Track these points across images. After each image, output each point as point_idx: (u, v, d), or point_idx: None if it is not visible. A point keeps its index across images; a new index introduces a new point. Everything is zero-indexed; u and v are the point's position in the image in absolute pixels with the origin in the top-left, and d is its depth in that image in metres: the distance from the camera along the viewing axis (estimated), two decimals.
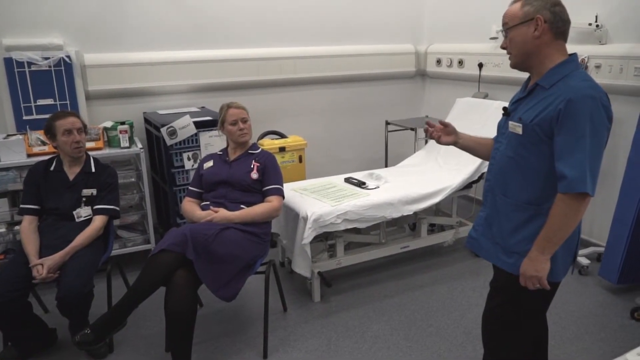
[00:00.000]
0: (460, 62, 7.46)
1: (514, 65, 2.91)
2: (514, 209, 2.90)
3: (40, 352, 4.32)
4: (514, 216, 2.92)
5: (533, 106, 2.77)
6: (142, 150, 5.56)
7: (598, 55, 5.45)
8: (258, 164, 4.53)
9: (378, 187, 5.46)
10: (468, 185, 5.76)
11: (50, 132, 4.32)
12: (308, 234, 4.75)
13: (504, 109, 3.03)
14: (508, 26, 2.81)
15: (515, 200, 2.90)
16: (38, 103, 5.58)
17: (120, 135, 5.51)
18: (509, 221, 2.94)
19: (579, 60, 5.44)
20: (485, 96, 6.79)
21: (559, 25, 2.74)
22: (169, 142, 5.50)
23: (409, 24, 8.05)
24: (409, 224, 6.16)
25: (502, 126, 3.06)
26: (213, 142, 5.62)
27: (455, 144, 3.37)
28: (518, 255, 2.87)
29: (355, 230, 5.30)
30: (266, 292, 4.32)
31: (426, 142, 7.19)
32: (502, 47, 2.92)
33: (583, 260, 5.49)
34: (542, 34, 2.72)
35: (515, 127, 2.83)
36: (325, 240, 5.27)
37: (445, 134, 3.37)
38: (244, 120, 4.57)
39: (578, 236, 2.98)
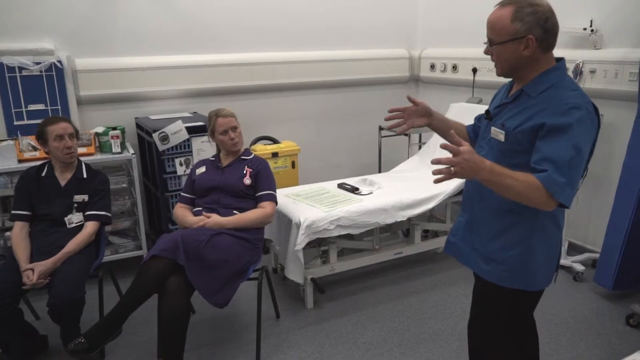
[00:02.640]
0: (454, 67, 7.44)
1: (500, 75, 2.79)
2: (493, 215, 2.84)
3: (31, 359, 4.30)
4: (492, 223, 2.86)
5: (517, 113, 2.69)
6: (133, 156, 5.54)
7: (593, 60, 5.44)
8: (251, 170, 4.51)
9: (371, 192, 5.45)
10: (462, 191, 5.74)
11: (42, 138, 4.30)
12: (301, 240, 4.74)
13: (487, 112, 2.93)
14: (494, 42, 2.66)
15: (494, 207, 2.82)
16: (29, 108, 5.56)
17: (112, 141, 5.48)
18: (488, 228, 2.89)
19: (574, 65, 5.44)
20: (480, 101, 6.77)
21: (550, 41, 2.63)
22: (160, 147, 5.48)
23: (402, 28, 8.04)
24: (402, 230, 6.14)
25: (484, 130, 2.97)
26: (205, 147, 5.59)
27: (428, 125, 3.23)
28: (496, 263, 2.82)
29: (349, 236, 5.27)
30: (259, 299, 4.31)
31: (420, 147, 7.19)
32: (486, 53, 2.78)
33: (578, 267, 5.48)
34: (533, 52, 2.59)
35: (498, 134, 2.75)
36: (318, 246, 5.25)
37: (417, 116, 3.19)
38: (234, 129, 4.55)
39: (560, 243, 2.91)
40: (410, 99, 3.20)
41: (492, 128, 2.80)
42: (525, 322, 3.10)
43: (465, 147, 2.39)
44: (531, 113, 2.60)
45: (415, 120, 3.18)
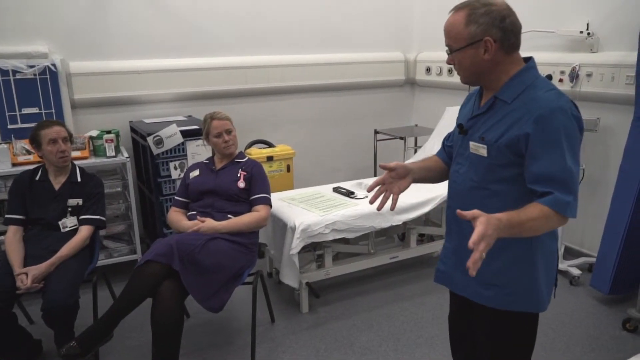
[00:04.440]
0: (450, 71, 7.42)
1: (464, 82, 2.65)
2: None
3: None
4: None
5: (495, 124, 2.51)
6: (128, 160, 5.53)
7: (589, 63, 5.44)
8: (245, 173, 4.50)
9: (367, 196, 5.40)
10: None
11: (36, 142, 4.28)
12: (296, 244, 4.73)
13: (460, 126, 2.75)
14: (453, 49, 2.51)
15: None
16: (23, 112, 5.53)
17: (106, 145, 5.45)
18: None
19: (570, 68, 5.42)
20: None
21: (512, 41, 2.45)
22: (155, 151, 5.46)
23: (398, 31, 8.04)
24: (398, 234, 6.12)
25: (460, 146, 2.76)
26: (200, 151, 5.57)
27: (413, 181, 2.90)
28: (497, 288, 2.63)
29: (344, 241, 5.28)
30: (254, 303, 4.29)
31: (415, 151, 7.17)
32: (449, 63, 2.60)
33: (574, 271, 5.47)
34: (494, 55, 2.43)
35: (479, 149, 2.57)
36: (314, 250, 5.24)
37: (399, 179, 2.86)
38: (229, 132, 4.55)
39: (557, 254, 2.76)
40: (383, 167, 2.86)
41: (471, 143, 2.63)
42: (530, 347, 2.83)
43: (483, 223, 2.18)
44: (511, 121, 2.45)
45: (400, 184, 2.86)
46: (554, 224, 2.38)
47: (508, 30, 2.41)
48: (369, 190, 2.90)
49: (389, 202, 2.83)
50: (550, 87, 2.44)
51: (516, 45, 2.48)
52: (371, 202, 2.87)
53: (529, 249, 2.56)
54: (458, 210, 2.26)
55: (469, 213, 2.23)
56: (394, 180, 2.85)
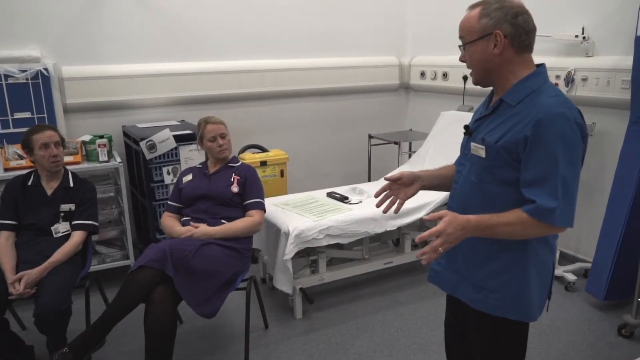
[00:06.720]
0: (445, 75, 7.42)
1: (476, 83, 2.65)
2: (480, 239, 2.53)
3: None
4: (480, 247, 2.62)
5: (497, 126, 2.50)
6: (121, 165, 5.50)
7: (585, 67, 5.43)
8: (238, 178, 4.50)
9: (361, 201, 5.42)
10: None
11: (28, 146, 4.26)
12: (290, 250, 4.71)
13: (466, 127, 2.74)
14: (465, 41, 2.56)
15: None
16: (15, 116, 5.50)
17: (99, 149, 5.43)
18: (476, 252, 2.66)
19: (566, 72, 5.41)
20: (470, 109, 6.73)
21: (523, 39, 2.46)
22: (148, 156, 5.44)
23: (392, 36, 8.04)
24: (392, 239, 6.11)
25: (464, 147, 2.78)
26: (193, 156, 5.56)
27: (422, 188, 3.00)
28: (487, 291, 2.63)
29: (338, 246, 5.24)
30: (247, 309, 4.27)
31: (410, 155, 7.15)
32: (461, 60, 2.66)
33: (569, 277, 5.46)
34: (503, 50, 2.45)
35: (478, 149, 2.57)
36: (307, 255, 5.21)
37: (406, 186, 2.98)
38: (223, 136, 4.54)
39: (553, 267, 2.77)
40: (388, 179, 3.00)
41: (472, 144, 2.63)
42: (520, 356, 2.83)
43: (444, 222, 2.36)
44: (512, 124, 2.43)
45: (406, 190, 2.98)
46: (536, 231, 2.42)
47: (519, 26, 2.44)
48: (376, 196, 2.99)
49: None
50: (556, 93, 2.43)
51: (527, 44, 2.51)
52: (377, 206, 3.02)
53: (523, 257, 2.56)
54: (426, 216, 2.44)
55: (436, 214, 2.41)
56: (400, 187, 2.98)
